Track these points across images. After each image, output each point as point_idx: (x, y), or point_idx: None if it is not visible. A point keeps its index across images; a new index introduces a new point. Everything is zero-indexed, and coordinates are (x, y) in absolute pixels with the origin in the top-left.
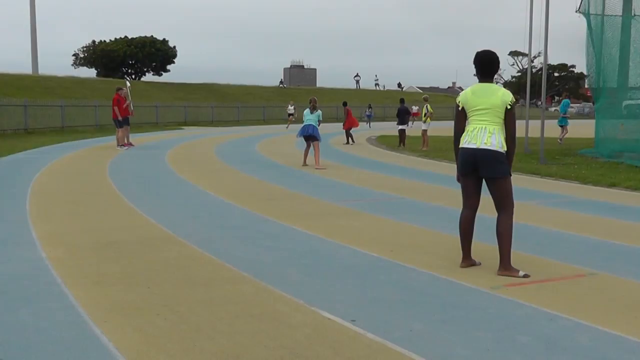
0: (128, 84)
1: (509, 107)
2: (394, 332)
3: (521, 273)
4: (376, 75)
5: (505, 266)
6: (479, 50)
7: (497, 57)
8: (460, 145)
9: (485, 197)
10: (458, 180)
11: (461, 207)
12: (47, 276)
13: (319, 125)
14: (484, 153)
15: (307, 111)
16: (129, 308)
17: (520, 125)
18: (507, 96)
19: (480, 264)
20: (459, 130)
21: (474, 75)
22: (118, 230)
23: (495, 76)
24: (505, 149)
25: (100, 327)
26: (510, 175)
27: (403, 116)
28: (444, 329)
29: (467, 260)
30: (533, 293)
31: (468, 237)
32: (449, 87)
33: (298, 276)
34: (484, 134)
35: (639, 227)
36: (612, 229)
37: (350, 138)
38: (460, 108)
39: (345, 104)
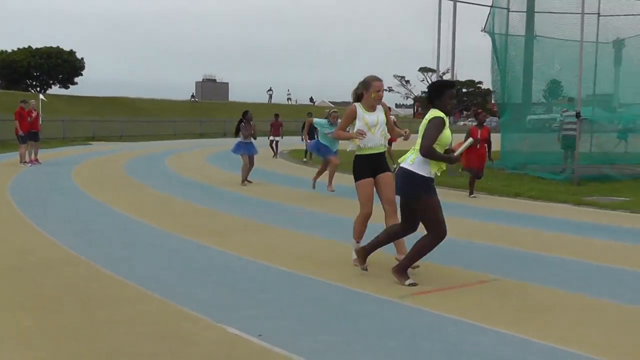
0: (42, 96)
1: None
2: (302, 345)
3: (407, 282)
4: (288, 90)
5: (403, 268)
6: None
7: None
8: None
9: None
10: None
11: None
12: None
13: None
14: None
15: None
16: (26, 334)
17: None
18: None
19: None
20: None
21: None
22: (18, 253)
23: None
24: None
25: None
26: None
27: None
28: (352, 340)
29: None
30: (438, 300)
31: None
32: None
33: (206, 293)
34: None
35: (541, 234)
36: (516, 236)
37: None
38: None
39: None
